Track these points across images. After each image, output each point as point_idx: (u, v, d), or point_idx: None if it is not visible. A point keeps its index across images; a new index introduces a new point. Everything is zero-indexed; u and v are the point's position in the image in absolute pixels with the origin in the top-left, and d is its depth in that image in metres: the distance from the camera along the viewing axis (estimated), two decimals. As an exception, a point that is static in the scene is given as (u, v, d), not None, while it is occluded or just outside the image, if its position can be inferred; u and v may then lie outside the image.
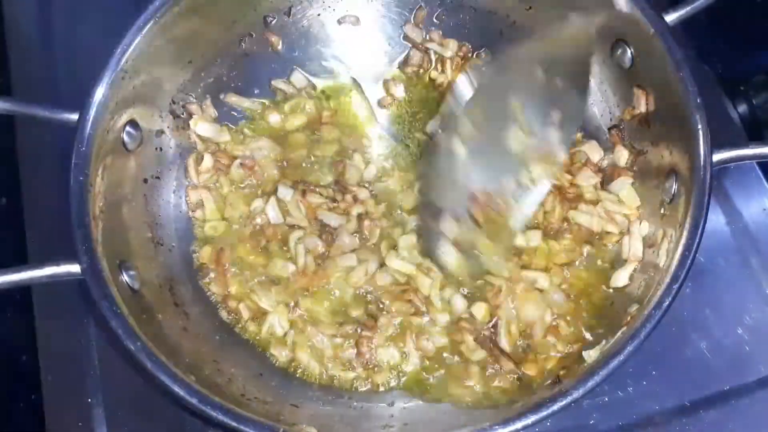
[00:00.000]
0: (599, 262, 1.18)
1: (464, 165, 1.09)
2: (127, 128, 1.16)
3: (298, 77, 1.36)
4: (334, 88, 1.37)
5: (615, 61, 1.21)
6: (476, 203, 1.08)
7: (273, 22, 1.34)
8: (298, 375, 1.17)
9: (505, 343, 1.13)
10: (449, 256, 1.13)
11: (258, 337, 1.19)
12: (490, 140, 1.09)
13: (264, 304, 1.19)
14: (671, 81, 1.08)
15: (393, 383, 1.16)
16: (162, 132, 1.24)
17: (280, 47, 1.35)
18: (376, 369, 1.16)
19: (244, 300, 1.20)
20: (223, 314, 1.21)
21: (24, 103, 1.10)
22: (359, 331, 1.16)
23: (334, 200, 1.24)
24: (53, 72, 1.44)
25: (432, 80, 1.37)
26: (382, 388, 1.16)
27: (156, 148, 1.24)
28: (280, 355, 1.18)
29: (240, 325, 1.20)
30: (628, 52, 1.18)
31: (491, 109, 1.09)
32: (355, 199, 1.24)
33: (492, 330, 1.14)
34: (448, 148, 1.08)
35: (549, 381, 1.09)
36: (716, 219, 1.27)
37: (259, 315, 1.20)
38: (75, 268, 1.01)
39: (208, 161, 1.27)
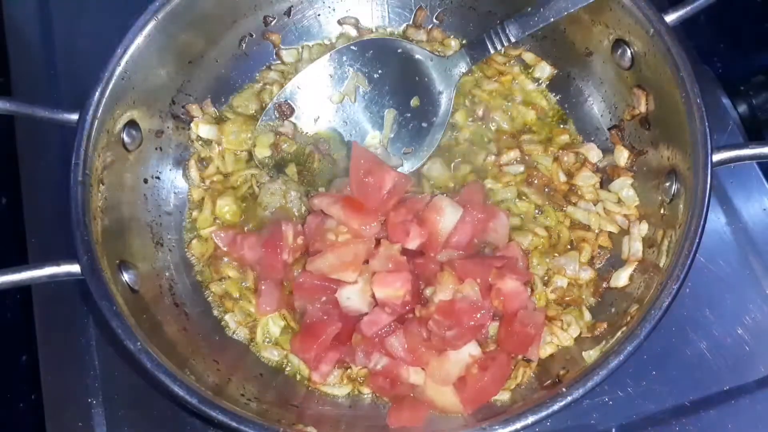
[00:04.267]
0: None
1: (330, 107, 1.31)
2: (127, 128, 1.16)
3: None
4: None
5: (615, 61, 1.21)
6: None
7: (273, 22, 1.34)
8: (296, 376, 1.17)
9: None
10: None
11: (252, 340, 1.20)
12: (359, 119, 1.30)
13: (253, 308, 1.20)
14: (671, 81, 1.08)
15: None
16: (162, 132, 1.24)
17: (280, 47, 1.36)
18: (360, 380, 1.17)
19: (235, 307, 1.21)
20: (217, 313, 1.22)
21: (24, 103, 1.10)
22: None
23: None
24: (53, 72, 1.44)
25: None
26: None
27: (156, 148, 1.24)
28: (272, 356, 1.18)
29: (233, 330, 1.20)
30: (628, 52, 1.18)
31: (373, 98, 1.30)
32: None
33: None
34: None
35: (549, 381, 1.09)
36: (716, 219, 1.27)
37: (251, 321, 1.20)
38: (75, 268, 1.01)
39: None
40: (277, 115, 1.28)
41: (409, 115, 1.29)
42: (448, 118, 1.28)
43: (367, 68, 1.29)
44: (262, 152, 1.27)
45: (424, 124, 1.28)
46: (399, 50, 1.28)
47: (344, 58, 1.29)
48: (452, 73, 1.27)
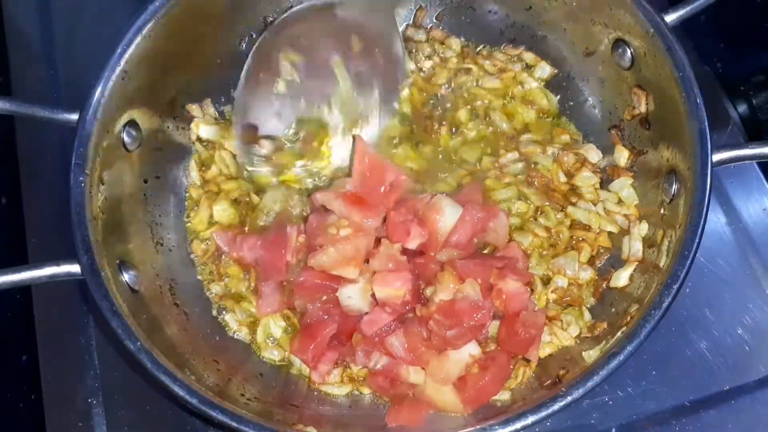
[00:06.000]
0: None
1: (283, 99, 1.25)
2: (127, 128, 1.16)
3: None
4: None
5: (615, 61, 1.21)
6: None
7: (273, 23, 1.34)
8: (296, 375, 1.18)
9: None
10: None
11: (252, 340, 1.20)
12: (313, 89, 1.25)
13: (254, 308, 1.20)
14: (671, 81, 1.08)
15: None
16: (162, 132, 1.24)
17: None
18: (359, 380, 1.17)
19: (236, 306, 1.21)
20: (217, 313, 1.22)
21: (24, 103, 1.10)
22: None
23: None
24: (53, 72, 1.44)
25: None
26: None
27: (156, 148, 1.24)
28: (272, 356, 1.18)
29: (233, 330, 1.21)
30: (628, 52, 1.18)
31: (313, 62, 1.24)
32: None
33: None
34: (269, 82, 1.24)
35: (549, 381, 1.09)
36: (716, 219, 1.27)
37: (252, 321, 1.20)
38: (75, 268, 1.01)
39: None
40: (248, 143, 1.24)
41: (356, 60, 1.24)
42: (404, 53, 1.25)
43: (292, 46, 1.24)
44: (262, 179, 1.26)
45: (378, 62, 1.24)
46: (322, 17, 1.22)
47: (267, 49, 1.23)
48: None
